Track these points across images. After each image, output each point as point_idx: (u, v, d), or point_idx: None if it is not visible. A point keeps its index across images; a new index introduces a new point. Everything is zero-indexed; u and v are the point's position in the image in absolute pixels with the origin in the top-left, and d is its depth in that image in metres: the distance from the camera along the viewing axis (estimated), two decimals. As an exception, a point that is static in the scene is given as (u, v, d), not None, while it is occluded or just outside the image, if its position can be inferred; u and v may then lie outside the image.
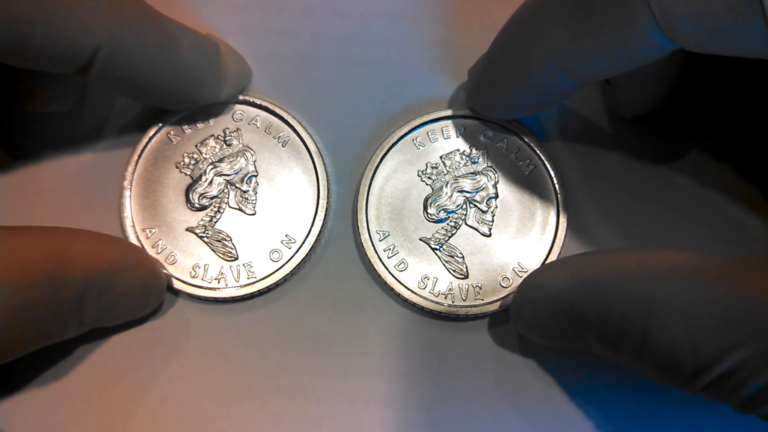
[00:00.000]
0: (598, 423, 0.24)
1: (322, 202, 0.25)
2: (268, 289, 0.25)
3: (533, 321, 0.22)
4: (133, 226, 0.25)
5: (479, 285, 0.25)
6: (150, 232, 0.25)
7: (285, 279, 0.25)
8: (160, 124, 0.26)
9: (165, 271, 0.24)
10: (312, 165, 0.26)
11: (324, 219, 0.25)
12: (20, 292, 0.19)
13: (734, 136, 0.26)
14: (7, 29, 0.19)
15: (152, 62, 0.22)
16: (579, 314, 0.20)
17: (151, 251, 0.25)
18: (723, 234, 0.25)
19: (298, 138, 0.26)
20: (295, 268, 0.25)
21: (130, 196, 0.25)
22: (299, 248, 0.25)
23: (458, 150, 0.26)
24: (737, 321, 0.18)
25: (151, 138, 0.26)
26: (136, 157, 0.25)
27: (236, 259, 0.25)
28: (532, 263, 0.25)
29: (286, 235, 0.25)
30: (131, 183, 0.25)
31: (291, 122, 0.26)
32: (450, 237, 0.25)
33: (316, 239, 0.25)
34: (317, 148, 0.26)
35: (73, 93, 0.25)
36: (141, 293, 0.23)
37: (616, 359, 0.20)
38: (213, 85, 0.24)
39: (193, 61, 0.23)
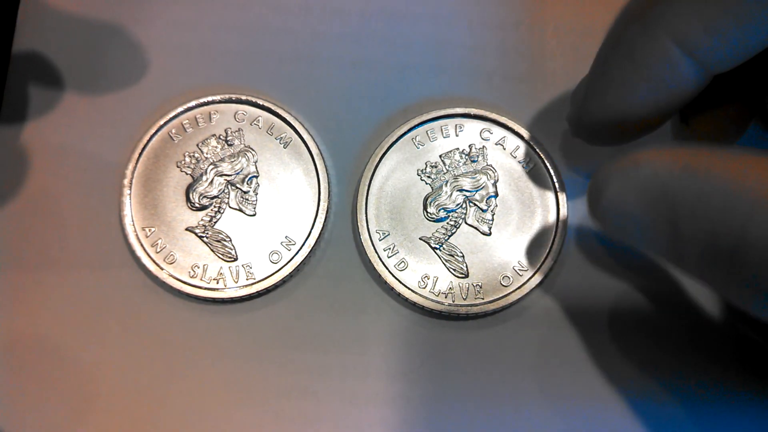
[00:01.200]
0: (599, 422, 0.23)
1: (323, 204, 0.25)
2: (267, 291, 0.24)
3: (616, 202, 0.18)
4: (133, 225, 0.25)
5: (479, 284, 0.24)
6: (149, 231, 0.25)
7: (284, 280, 0.24)
8: (162, 123, 0.25)
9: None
10: (313, 167, 0.25)
11: (324, 221, 0.25)
12: None
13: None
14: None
15: None
16: (672, 203, 0.17)
17: (150, 250, 0.24)
18: None
19: (299, 139, 0.26)
20: (294, 269, 0.24)
21: (130, 194, 0.25)
22: (299, 250, 0.24)
23: (458, 149, 0.25)
24: None
25: (152, 136, 0.25)
26: (136, 155, 0.25)
27: (236, 259, 0.24)
28: (532, 262, 0.24)
29: (286, 237, 0.25)
30: (131, 181, 0.25)
31: (293, 123, 0.26)
32: (450, 236, 0.25)
33: (316, 241, 0.25)
34: (319, 149, 0.25)
35: None
36: None
37: (694, 267, 0.18)
38: None
39: None
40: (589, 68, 0.21)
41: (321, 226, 0.25)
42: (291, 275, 0.24)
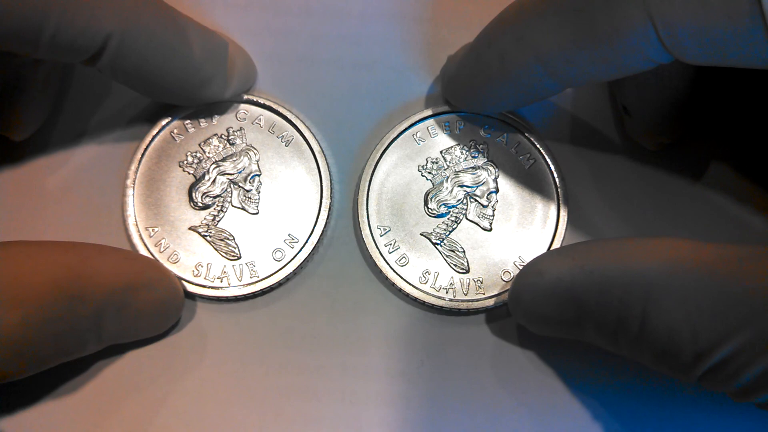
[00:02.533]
0: (600, 421, 0.23)
1: (325, 201, 0.25)
2: (270, 288, 0.24)
3: (532, 309, 0.21)
4: (136, 225, 0.24)
5: (480, 279, 0.24)
6: (153, 230, 0.24)
7: (287, 278, 0.24)
8: (164, 123, 0.25)
9: (182, 282, 0.24)
10: (315, 165, 0.25)
11: (327, 219, 0.25)
12: (38, 309, 0.19)
13: (737, 134, 0.25)
14: (22, 18, 0.19)
15: (162, 55, 0.21)
16: (578, 301, 0.20)
17: (153, 250, 0.24)
18: (723, 226, 0.25)
19: (301, 138, 0.25)
20: (297, 267, 0.24)
21: (133, 194, 0.25)
22: (302, 248, 0.24)
23: (458, 145, 0.25)
24: (736, 305, 0.17)
25: (154, 137, 0.25)
26: (139, 155, 0.25)
27: (239, 258, 0.24)
28: (533, 257, 0.24)
29: (289, 235, 0.24)
30: (134, 181, 0.25)
31: (294, 122, 0.25)
32: (451, 231, 0.24)
33: (319, 239, 0.24)
34: (320, 147, 0.25)
35: (39, 118, 0.24)
36: (160, 310, 0.23)
37: (615, 348, 0.20)
38: (220, 82, 0.24)
39: (202, 58, 0.23)
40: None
41: (324, 223, 0.24)
42: (294, 273, 0.24)
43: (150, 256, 0.24)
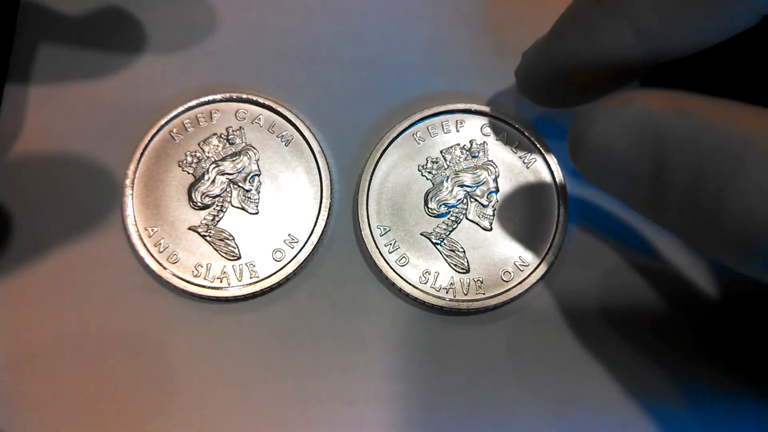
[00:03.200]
0: (601, 422, 0.23)
1: (325, 201, 0.24)
2: (270, 289, 0.24)
3: (604, 141, 0.18)
4: (135, 225, 0.24)
5: (480, 279, 0.24)
6: (152, 230, 0.24)
7: (287, 278, 0.24)
8: (163, 122, 0.25)
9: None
10: (315, 164, 0.25)
11: (327, 219, 0.24)
12: None
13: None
14: None
15: None
16: (662, 143, 0.17)
17: (153, 250, 0.24)
18: None
19: (301, 137, 0.25)
20: (297, 267, 0.24)
21: (132, 194, 0.24)
22: (302, 248, 0.24)
23: (458, 144, 0.25)
24: None
25: (153, 136, 0.25)
26: (138, 155, 0.25)
27: (239, 258, 0.24)
28: (533, 257, 0.24)
29: (289, 235, 0.24)
30: (133, 181, 0.24)
31: (294, 121, 0.25)
32: (451, 231, 0.24)
33: (319, 239, 0.24)
34: (320, 147, 0.25)
35: None
36: None
37: (678, 213, 0.17)
38: None
39: None
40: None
41: (324, 223, 0.24)
42: (294, 273, 0.24)
43: (150, 256, 0.24)
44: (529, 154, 0.25)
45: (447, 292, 0.24)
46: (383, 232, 0.24)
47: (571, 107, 0.23)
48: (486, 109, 0.25)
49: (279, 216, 0.24)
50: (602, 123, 0.17)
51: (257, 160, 0.25)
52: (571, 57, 0.20)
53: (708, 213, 0.16)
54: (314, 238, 0.24)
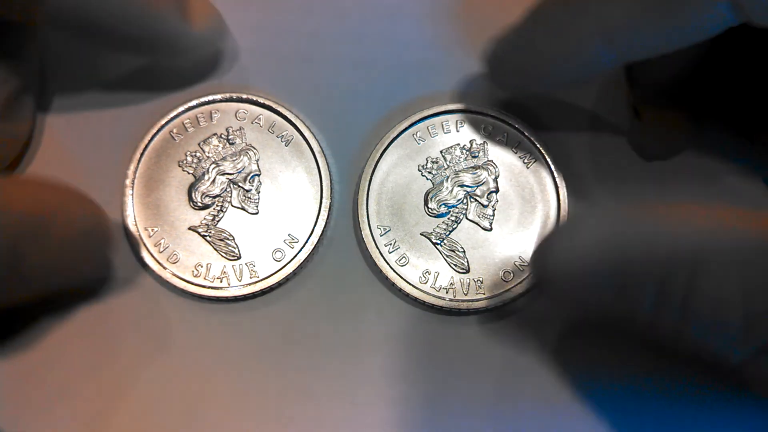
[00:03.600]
0: (602, 422, 0.23)
1: (325, 201, 0.24)
2: (270, 289, 0.24)
3: (567, 270, 0.18)
4: (135, 225, 0.24)
5: (480, 279, 0.24)
6: (152, 230, 0.24)
7: (287, 278, 0.24)
8: (163, 122, 0.25)
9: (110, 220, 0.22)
10: (315, 164, 0.25)
11: (327, 219, 0.24)
12: None
13: (738, 132, 0.25)
14: None
15: None
16: (623, 262, 0.17)
17: (153, 250, 0.24)
18: None
19: (301, 137, 0.25)
20: (297, 267, 0.24)
21: (132, 194, 0.24)
22: (302, 248, 0.24)
23: (458, 144, 0.25)
24: None
25: (153, 136, 0.25)
26: (138, 155, 0.24)
27: (239, 258, 0.24)
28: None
29: (289, 235, 0.24)
30: (133, 181, 0.24)
31: (294, 121, 0.25)
32: (451, 231, 0.24)
33: (319, 239, 0.24)
34: (320, 147, 0.25)
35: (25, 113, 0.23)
36: (84, 239, 0.21)
37: (656, 319, 0.18)
38: (173, 13, 0.22)
39: None
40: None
41: (324, 223, 0.24)
42: (294, 273, 0.24)
43: (149, 255, 0.24)
44: (529, 154, 0.25)
45: (447, 292, 0.24)
46: (383, 232, 0.24)
47: (542, 91, 0.24)
48: (486, 109, 0.25)
49: (279, 216, 0.24)
50: (563, 254, 0.18)
51: (257, 160, 0.25)
52: (539, 56, 0.21)
53: (681, 312, 0.17)
54: (314, 238, 0.24)
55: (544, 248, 0.19)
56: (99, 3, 0.21)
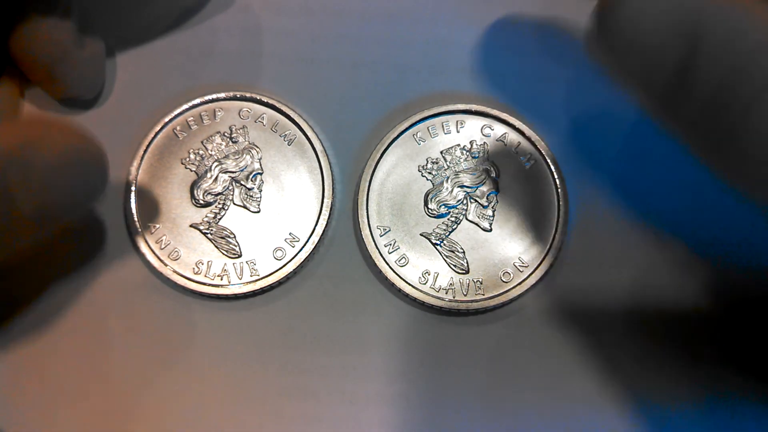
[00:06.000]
0: (601, 422, 0.22)
1: (327, 201, 0.24)
2: (270, 287, 0.23)
3: (637, 18, 0.16)
4: (137, 222, 0.23)
5: (480, 280, 0.23)
6: (154, 227, 0.24)
7: (288, 277, 0.23)
8: (166, 120, 0.24)
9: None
10: (317, 164, 0.24)
11: (328, 218, 0.24)
12: None
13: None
14: None
15: None
16: (700, 35, 0.15)
17: (154, 246, 0.23)
18: (730, 229, 0.24)
19: (303, 137, 0.24)
20: (298, 266, 0.23)
21: (135, 191, 0.24)
22: (303, 247, 0.23)
23: (459, 145, 0.24)
24: None
25: (156, 133, 0.24)
26: (141, 152, 0.24)
27: (240, 256, 0.23)
28: (533, 258, 0.23)
29: (290, 234, 0.24)
30: (136, 178, 0.24)
31: (297, 121, 0.24)
32: (451, 232, 0.24)
33: (320, 238, 0.24)
34: (323, 147, 0.24)
35: (97, 77, 0.23)
36: (69, 167, 0.19)
37: (703, 119, 0.15)
38: None
39: None
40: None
41: (325, 222, 0.24)
42: (295, 272, 0.23)
43: (151, 252, 0.23)
44: (529, 154, 0.24)
45: (446, 293, 0.23)
46: (383, 233, 0.24)
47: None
48: (486, 109, 0.25)
49: (280, 215, 0.24)
50: (636, 4, 0.15)
51: (260, 159, 0.24)
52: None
53: (730, 123, 0.14)
54: (315, 238, 0.23)
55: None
56: None
